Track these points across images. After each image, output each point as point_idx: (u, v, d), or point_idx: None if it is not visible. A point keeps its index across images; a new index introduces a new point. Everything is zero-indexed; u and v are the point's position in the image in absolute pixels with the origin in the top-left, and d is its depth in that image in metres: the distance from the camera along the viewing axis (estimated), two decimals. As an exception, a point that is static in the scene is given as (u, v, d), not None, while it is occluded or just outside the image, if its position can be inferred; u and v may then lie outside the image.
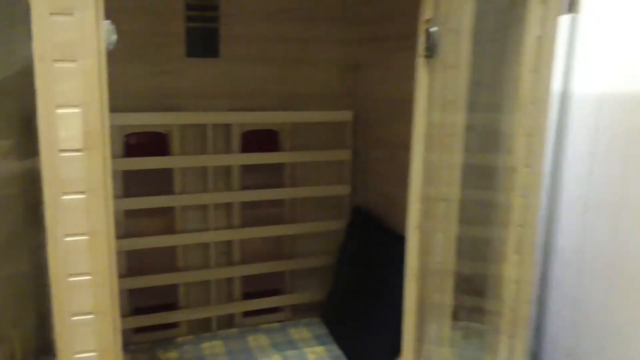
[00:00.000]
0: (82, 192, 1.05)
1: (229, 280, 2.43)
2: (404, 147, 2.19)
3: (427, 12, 1.21)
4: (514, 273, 1.40)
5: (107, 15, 1.07)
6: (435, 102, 1.33)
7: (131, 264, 2.25)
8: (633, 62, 1.77)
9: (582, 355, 1.99)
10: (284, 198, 2.45)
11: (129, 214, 2.22)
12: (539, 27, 1.34)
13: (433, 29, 1.25)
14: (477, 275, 1.52)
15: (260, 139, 2.44)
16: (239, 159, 2.32)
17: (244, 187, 2.36)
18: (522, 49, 1.37)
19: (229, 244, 2.40)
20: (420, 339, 1.56)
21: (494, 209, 1.45)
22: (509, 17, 1.36)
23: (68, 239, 1.06)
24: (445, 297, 1.40)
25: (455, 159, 1.33)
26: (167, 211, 2.29)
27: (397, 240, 2.12)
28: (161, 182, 2.27)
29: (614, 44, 1.84)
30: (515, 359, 1.52)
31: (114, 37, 1.10)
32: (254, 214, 2.45)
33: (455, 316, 1.59)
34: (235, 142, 2.31)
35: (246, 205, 2.40)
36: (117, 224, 2.17)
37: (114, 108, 2.12)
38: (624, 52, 1.80)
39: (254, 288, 2.51)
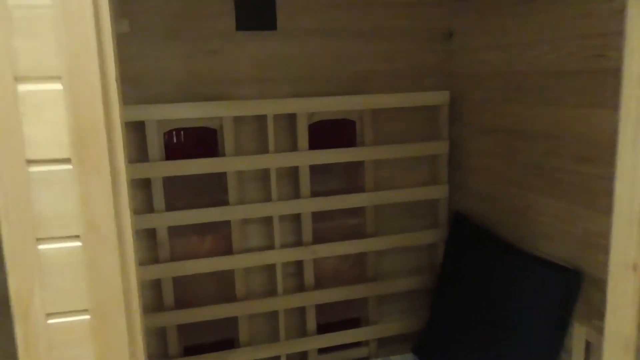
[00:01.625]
0: (75, 238, 0.58)
1: (301, 310, 1.94)
2: (525, 134, 1.65)
3: None
4: None
5: None
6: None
7: (179, 294, 1.80)
8: None
9: None
10: (366, 205, 1.93)
11: (174, 231, 1.77)
12: None
13: None
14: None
15: (332, 132, 1.94)
16: (308, 158, 1.82)
17: (314, 194, 1.87)
18: None
19: (299, 264, 1.92)
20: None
21: None
22: None
23: (52, 320, 0.58)
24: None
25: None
26: (221, 226, 1.82)
27: (526, 260, 1.58)
28: (212, 190, 1.81)
29: None
30: None
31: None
32: (328, 226, 1.96)
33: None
34: (302, 136, 1.81)
35: (318, 216, 1.90)
36: (160, 244, 1.73)
37: (149, 99, 1.70)
38: None
39: (331, 318, 2.02)
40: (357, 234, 1.97)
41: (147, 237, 1.75)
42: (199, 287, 1.85)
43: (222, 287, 1.86)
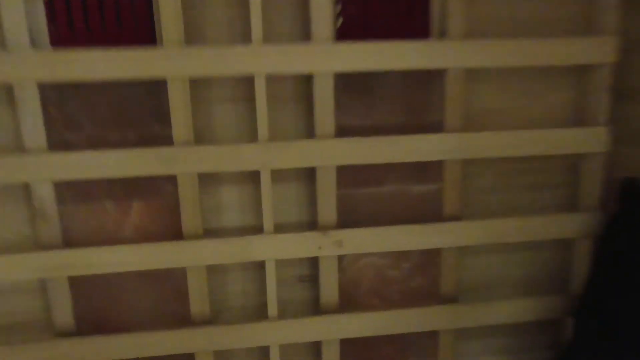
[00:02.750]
0: None
1: (313, 347, 1.08)
2: None
3: None
4: None
5: None
6: None
7: (84, 308, 0.99)
8: None
9: None
10: (446, 159, 1.01)
11: (70, 192, 0.94)
12: None
13: None
14: None
15: (383, 10, 1.01)
16: (333, 59, 0.92)
17: (343, 130, 0.97)
18: None
19: (311, 265, 1.04)
20: None
21: None
22: None
23: None
24: None
25: None
26: (161, 185, 0.98)
27: None
28: (142, 114, 0.96)
29: None
30: None
31: None
32: (367, 196, 1.05)
33: None
34: (321, 13, 0.91)
35: (350, 176, 1.01)
36: (41, 215, 0.91)
37: None
38: None
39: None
40: (426, 213, 1.05)
41: (18, 200, 0.93)
42: (123, 297, 1.01)
43: (166, 299, 1.02)
